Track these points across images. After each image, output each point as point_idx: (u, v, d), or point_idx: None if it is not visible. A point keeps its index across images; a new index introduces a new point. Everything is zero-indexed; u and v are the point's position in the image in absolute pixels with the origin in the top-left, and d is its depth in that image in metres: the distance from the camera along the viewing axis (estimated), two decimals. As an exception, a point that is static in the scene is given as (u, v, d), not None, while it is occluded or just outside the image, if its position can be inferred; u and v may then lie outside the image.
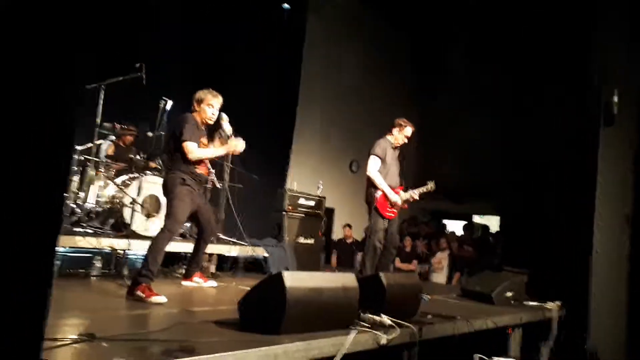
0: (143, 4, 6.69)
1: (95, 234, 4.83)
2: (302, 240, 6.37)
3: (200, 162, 3.97)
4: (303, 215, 6.45)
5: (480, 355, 3.82)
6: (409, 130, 5.37)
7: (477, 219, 12.10)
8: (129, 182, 5.42)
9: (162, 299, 3.38)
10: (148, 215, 5.24)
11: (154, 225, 5.19)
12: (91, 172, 5.38)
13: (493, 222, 10.84)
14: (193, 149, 3.83)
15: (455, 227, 10.43)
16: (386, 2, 10.48)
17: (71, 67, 1.24)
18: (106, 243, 4.65)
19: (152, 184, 5.30)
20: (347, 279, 2.98)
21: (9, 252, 1.17)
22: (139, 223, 5.12)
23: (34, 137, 1.21)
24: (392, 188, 5.26)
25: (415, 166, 10.62)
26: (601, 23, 5.14)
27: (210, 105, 4.01)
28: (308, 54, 9.55)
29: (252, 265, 5.93)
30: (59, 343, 2.06)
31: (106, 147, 5.98)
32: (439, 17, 10.69)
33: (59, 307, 2.81)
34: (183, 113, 4.01)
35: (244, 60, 7.92)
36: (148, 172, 5.45)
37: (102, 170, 5.51)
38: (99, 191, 5.46)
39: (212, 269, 5.48)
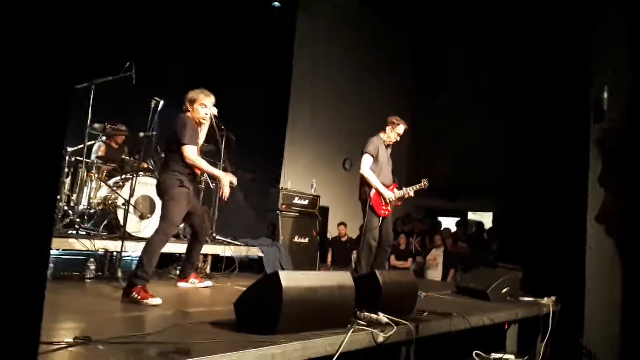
0: (140, 4, 6.66)
1: (88, 236, 4.79)
2: (297, 239, 6.37)
3: None
4: (297, 214, 6.44)
5: (479, 352, 3.83)
6: (401, 128, 5.37)
7: (471, 215, 12.14)
8: (122, 183, 5.39)
9: (157, 300, 3.36)
10: (141, 217, 5.22)
11: (148, 226, 5.16)
12: (83, 173, 5.33)
13: (487, 219, 10.89)
14: (192, 154, 3.85)
15: (450, 224, 10.46)
16: (385, 1, 10.49)
17: (68, 68, 1.22)
18: (100, 245, 4.62)
19: (145, 185, 5.28)
20: (342, 278, 2.98)
21: (1, 255, 1.15)
22: (133, 224, 5.09)
23: (26, 139, 1.19)
24: (386, 186, 5.26)
25: (409, 164, 10.63)
26: (601, 23, 5.17)
27: (203, 105, 4.00)
28: (299, 52, 9.53)
29: (247, 265, 5.92)
30: (54, 346, 2.04)
31: (97, 148, 5.94)
32: (439, 16, 10.72)
33: (54, 310, 2.79)
34: (178, 114, 3.99)
35: (235, 59, 7.90)
36: (140, 172, 5.41)
37: (94, 172, 5.47)
38: (91, 193, 5.42)
39: (207, 269, 5.46)
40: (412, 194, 5.46)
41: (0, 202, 1.14)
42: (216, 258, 5.75)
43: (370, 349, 2.87)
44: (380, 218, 5.22)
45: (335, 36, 10.40)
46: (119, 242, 4.52)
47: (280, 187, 6.60)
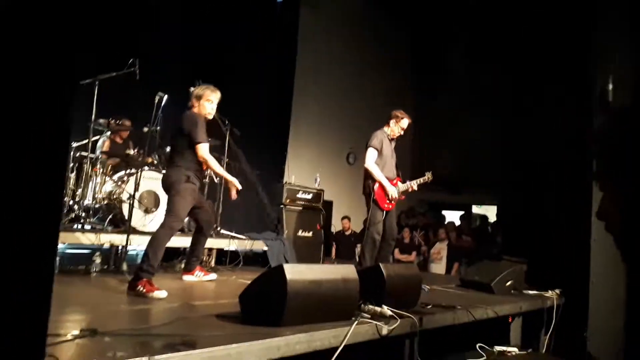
0: (141, 3, 6.67)
1: (94, 231, 4.82)
2: (301, 233, 6.39)
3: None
4: (301, 208, 6.46)
5: (483, 345, 3.84)
6: (405, 122, 5.36)
7: (475, 209, 12.13)
8: (126, 178, 5.41)
9: (162, 293, 3.39)
10: (146, 211, 5.24)
11: (153, 221, 5.19)
12: (88, 168, 5.36)
13: (491, 212, 10.88)
14: (207, 153, 3.92)
15: (454, 217, 10.46)
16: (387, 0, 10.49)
17: (71, 65, 1.23)
18: (105, 239, 4.65)
19: (150, 179, 5.30)
20: (347, 271, 2.99)
21: (9, 249, 1.17)
22: (138, 218, 5.12)
23: (32, 134, 1.21)
24: (390, 180, 5.26)
25: (413, 158, 10.62)
26: (601, 23, 5.14)
27: (210, 101, 4.02)
28: (302, 48, 9.52)
29: (252, 258, 5.95)
30: (61, 339, 2.06)
31: (102, 143, 5.96)
32: (439, 16, 10.69)
33: (61, 304, 2.82)
34: (187, 111, 4.00)
35: (237, 55, 7.88)
36: (145, 167, 5.44)
37: (99, 167, 5.50)
38: (96, 188, 5.45)
39: (212, 262, 5.49)
40: (415, 187, 5.46)
41: (7, 197, 1.16)
42: (221, 252, 5.77)
43: (374, 342, 2.88)
44: (384, 212, 5.22)
45: (338, 33, 10.38)
46: (124, 236, 4.55)
47: (284, 182, 6.61)
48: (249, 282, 2.83)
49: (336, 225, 9.35)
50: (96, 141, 5.78)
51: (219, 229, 5.89)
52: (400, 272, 3.50)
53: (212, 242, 5.27)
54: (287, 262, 5.65)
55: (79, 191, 5.38)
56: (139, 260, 3.82)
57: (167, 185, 3.87)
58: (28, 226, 1.19)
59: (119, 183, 5.40)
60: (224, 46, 7.73)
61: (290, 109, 9.42)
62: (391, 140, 5.40)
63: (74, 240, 4.58)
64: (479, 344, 3.84)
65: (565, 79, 6.18)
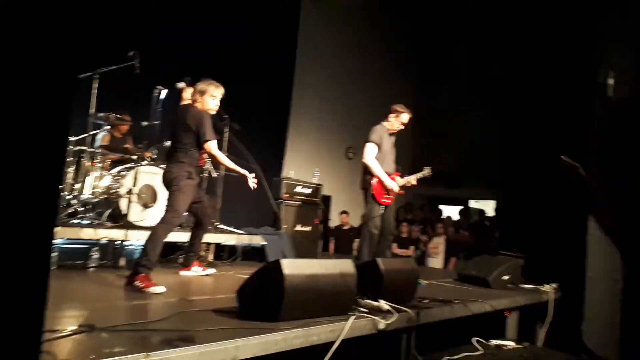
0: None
1: (91, 225, 4.82)
2: (299, 228, 6.39)
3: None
4: (300, 203, 6.46)
5: (479, 339, 3.86)
6: (405, 117, 5.36)
7: (473, 204, 12.15)
8: (125, 173, 5.40)
9: (160, 288, 3.39)
10: (145, 206, 5.24)
11: (151, 215, 5.19)
12: (86, 163, 5.35)
13: (489, 207, 10.90)
14: (216, 149, 3.95)
15: (452, 212, 10.48)
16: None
17: (70, 60, 1.23)
18: (103, 234, 4.65)
19: (148, 174, 5.29)
20: (344, 266, 3.00)
21: (5, 244, 1.17)
22: (136, 213, 5.12)
23: (30, 130, 1.21)
24: (389, 174, 5.27)
25: (413, 152, 10.62)
26: (601, 23, 5.15)
27: (213, 97, 4.01)
28: (303, 43, 9.50)
29: (250, 253, 5.96)
30: (58, 334, 2.07)
31: (101, 137, 5.95)
32: (440, 13, 10.67)
33: (58, 299, 2.82)
34: (191, 106, 3.99)
35: (239, 50, 7.88)
36: (143, 162, 5.43)
37: (98, 161, 5.49)
38: (94, 182, 5.44)
39: (210, 257, 5.50)
40: (414, 182, 5.47)
41: (4, 192, 1.16)
42: (219, 246, 5.78)
43: (372, 336, 2.89)
44: (382, 206, 5.23)
45: (339, 28, 10.36)
46: (122, 231, 4.55)
47: (282, 177, 6.61)
48: (247, 277, 2.84)
49: (334, 220, 9.36)
50: (95, 135, 5.77)
51: (217, 223, 5.90)
52: (397, 266, 3.52)
53: (210, 237, 5.28)
54: (285, 257, 5.66)
55: (77, 185, 5.37)
56: (137, 256, 3.83)
57: (167, 181, 3.86)
58: (24, 220, 1.19)
59: (118, 178, 5.39)
60: (224, 41, 7.72)
61: (289, 104, 9.41)
62: (391, 135, 5.40)
63: (71, 234, 4.57)
64: (475, 338, 3.86)
65: (565, 77, 6.19)
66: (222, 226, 5.96)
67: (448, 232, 8.42)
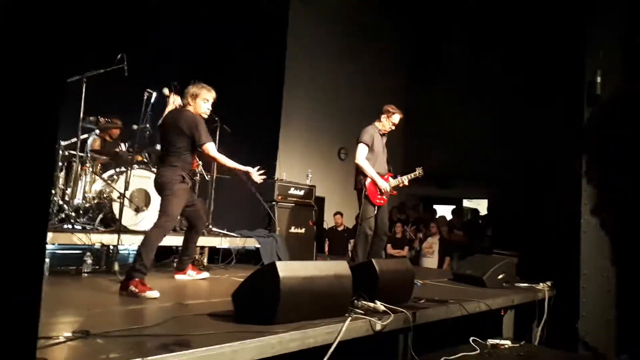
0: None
1: (84, 230, 4.78)
2: (293, 229, 6.38)
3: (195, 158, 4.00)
4: (293, 204, 6.45)
5: (476, 338, 3.86)
6: (396, 117, 5.37)
7: (466, 203, 12.19)
8: (116, 177, 5.37)
9: (155, 293, 3.37)
10: (137, 210, 5.21)
11: (144, 219, 5.16)
12: (77, 167, 5.31)
13: (482, 206, 10.94)
14: (215, 151, 3.95)
15: (445, 211, 10.50)
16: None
17: (59, 62, 1.22)
18: (96, 239, 4.61)
19: (140, 178, 5.26)
20: (339, 267, 2.99)
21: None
22: (128, 217, 5.08)
23: (17, 133, 1.19)
24: (381, 175, 5.27)
25: (405, 152, 10.64)
26: (600, 19, 5.18)
27: (206, 100, 4.01)
28: (292, 44, 9.48)
29: (244, 256, 5.93)
30: (53, 341, 2.04)
31: (91, 141, 5.90)
32: (433, 11, 10.70)
33: (52, 305, 2.79)
34: (183, 110, 3.97)
35: (227, 51, 7.85)
36: (135, 165, 5.39)
37: (88, 165, 5.45)
38: (86, 187, 5.40)
39: (204, 261, 5.47)
40: (407, 182, 5.47)
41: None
42: (213, 250, 5.75)
43: (368, 337, 2.88)
44: (376, 207, 5.23)
45: (328, 28, 10.34)
46: (115, 236, 4.51)
47: (275, 179, 6.59)
48: (242, 280, 2.82)
49: (328, 221, 9.36)
50: (85, 139, 5.73)
51: (210, 227, 5.87)
52: (392, 267, 3.52)
53: (204, 241, 5.25)
54: (279, 259, 5.64)
55: (69, 190, 5.33)
56: (130, 260, 3.80)
57: (160, 185, 3.83)
58: (15, 226, 1.18)
59: (109, 182, 5.36)
60: (213, 44, 7.69)
61: (280, 105, 9.39)
62: (382, 135, 5.41)
63: (64, 240, 4.54)
64: (472, 338, 3.86)
65: (558, 76, 6.23)
66: (215, 229, 5.94)
67: (442, 232, 8.44)
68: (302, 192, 6.60)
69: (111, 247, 4.74)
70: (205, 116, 4.06)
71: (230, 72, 7.41)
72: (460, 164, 10.43)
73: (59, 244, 4.67)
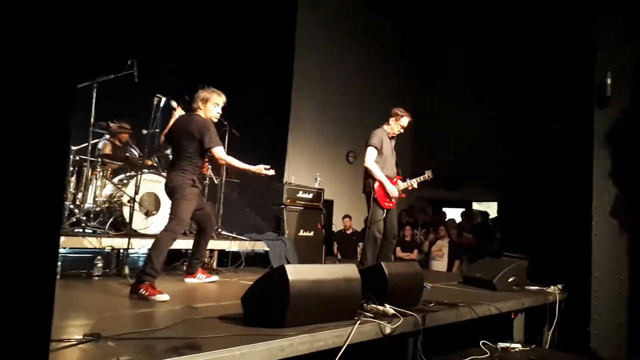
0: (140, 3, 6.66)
1: (95, 234, 4.82)
2: (302, 233, 6.38)
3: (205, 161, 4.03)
4: (302, 208, 6.45)
5: (486, 342, 3.84)
6: (405, 120, 5.36)
7: (476, 206, 12.12)
8: (127, 181, 5.40)
9: (165, 296, 3.39)
10: (147, 214, 5.24)
11: (153, 223, 5.19)
12: (88, 172, 5.35)
13: (492, 209, 10.87)
14: (224, 154, 3.98)
15: (455, 214, 10.45)
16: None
17: (70, 68, 1.23)
18: (106, 242, 4.65)
19: (150, 182, 5.29)
20: (348, 270, 2.99)
21: (11, 253, 1.17)
22: (138, 221, 5.11)
23: (32, 138, 1.20)
24: (390, 178, 5.26)
25: (413, 155, 10.61)
26: (601, 18, 5.15)
27: (216, 104, 4.04)
28: (301, 46, 9.49)
29: (254, 259, 5.95)
30: (65, 344, 2.06)
31: (102, 146, 5.95)
32: (439, 12, 10.68)
33: (63, 308, 2.82)
34: (193, 114, 4.00)
35: (236, 54, 7.87)
36: (145, 170, 5.43)
37: (99, 170, 5.50)
38: (96, 191, 5.45)
39: (214, 264, 5.49)
40: (416, 185, 5.46)
41: (8, 201, 1.15)
42: (222, 253, 5.77)
43: (378, 341, 2.88)
44: (385, 210, 5.22)
45: (336, 30, 10.34)
46: (126, 240, 4.54)
47: (284, 182, 6.61)
48: (251, 283, 2.83)
49: (337, 224, 9.35)
50: (96, 144, 5.78)
51: (220, 230, 5.89)
52: (402, 270, 3.51)
53: (213, 244, 5.27)
54: (288, 262, 5.65)
55: (80, 195, 5.37)
56: (140, 263, 3.82)
57: (171, 189, 3.86)
58: (29, 230, 1.19)
59: (119, 186, 5.40)
60: (221, 47, 7.71)
61: (289, 108, 9.39)
62: (391, 138, 5.40)
63: (75, 244, 4.57)
64: (482, 341, 3.85)
65: (565, 76, 6.19)
66: (225, 232, 5.95)
67: (451, 235, 8.40)
68: (310, 196, 6.60)
69: (121, 251, 4.77)
70: (215, 120, 4.08)
71: (238, 74, 7.43)
72: (469, 166, 10.37)
73: (70, 248, 4.71)
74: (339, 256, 8.59)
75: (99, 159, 5.60)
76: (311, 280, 2.69)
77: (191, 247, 4.42)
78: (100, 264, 4.51)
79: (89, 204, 5.33)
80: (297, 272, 2.65)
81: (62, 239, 4.36)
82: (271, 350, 2.29)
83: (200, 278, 4.39)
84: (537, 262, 5.67)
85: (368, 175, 5.26)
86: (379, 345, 2.95)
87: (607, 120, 5.07)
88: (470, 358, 3.52)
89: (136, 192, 4.80)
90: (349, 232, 8.98)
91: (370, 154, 5.23)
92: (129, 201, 5.03)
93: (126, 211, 5.08)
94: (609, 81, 5.03)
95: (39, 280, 1.22)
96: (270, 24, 8.60)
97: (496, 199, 10.62)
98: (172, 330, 2.44)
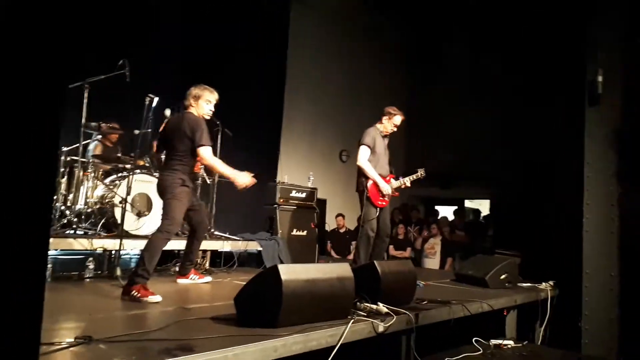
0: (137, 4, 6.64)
1: (86, 236, 4.79)
2: (295, 232, 6.38)
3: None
4: (295, 207, 6.45)
5: (479, 339, 3.85)
6: (398, 119, 5.36)
7: (468, 203, 12.17)
8: (118, 182, 5.37)
9: (157, 298, 3.37)
10: (139, 214, 5.21)
11: (145, 224, 5.16)
12: (79, 173, 5.32)
13: (484, 207, 10.93)
14: (210, 156, 3.85)
15: (447, 212, 10.49)
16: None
17: (61, 67, 1.22)
18: (98, 244, 4.62)
19: (141, 182, 5.26)
20: (342, 269, 2.99)
21: None
22: (130, 222, 5.09)
23: (20, 139, 1.19)
24: (383, 177, 5.27)
25: (406, 153, 10.63)
26: (600, 19, 5.19)
27: (208, 102, 3.99)
28: (293, 45, 9.47)
29: (247, 259, 5.94)
30: (55, 347, 2.05)
31: (93, 147, 5.92)
32: (434, 12, 10.69)
33: (54, 311, 2.80)
34: (185, 112, 3.96)
35: (228, 53, 7.85)
36: (136, 170, 5.40)
37: (90, 171, 5.46)
38: (88, 192, 5.41)
39: (207, 265, 5.47)
40: (408, 184, 5.47)
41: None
42: (215, 254, 5.76)
43: (371, 339, 2.89)
44: (378, 209, 5.23)
45: (329, 29, 10.32)
46: (117, 241, 4.52)
47: (277, 181, 6.60)
48: (244, 283, 2.82)
49: (330, 224, 9.35)
50: (87, 145, 5.74)
51: (212, 230, 5.88)
52: (395, 268, 3.52)
53: (206, 244, 5.25)
54: (281, 262, 5.65)
55: (71, 196, 5.34)
56: (132, 265, 3.79)
57: (162, 189, 3.83)
58: (17, 231, 1.18)
59: (111, 187, 5.36)
60: (213, 46, 7.68)
61: (282, 107, 9.37)
62: (384, 137, 5.41)
63: (66, 245, 4.54)
64: (475, 338, 3.86)
65: (560, 76, 6.23)
66: (217, 233, 5.94)
67: (444, 233, 8.43)
68: (303, 195, 6.60)
69: (113, 252, 4.75)
70: (208, 117, 4.05)
71: (231, 73, 7.41)
72: (462, 164, 10.41)
73: (61, 250, 4.68)
74: (333, 255, 8.60)
75: (91, 160, 5.56)
76: (304, 280, 2.69)
77: (183, 248, 4.40)
78: (91, 266, 4.48)
79: (80, 205, 5.29)
80: (290, 272, 2.64)
81: (53, 240, 4.34)
82: (264, 350, 2.29)
83: (193, 279, 4.38)
84: (528, 259, 5.70)
85: (361, 174, 5.26)
86: (373, 344, 2.95)
87: (598, 118, 5.11)
88: (463, 355, 3.54)
89: (128, 193, 4.78)
90: (342, 231, 8.98)
91: (363, 153, 5.23)
92: (120, 202, 5.00)
93: (118, 212, 5.05)
94: (600, 79, 5.06)
95: (27, 282, 1.21)
96: (264, 23, 8.58)
97: (488, 196, 10.68)
98: (165, 331, 2.43)
